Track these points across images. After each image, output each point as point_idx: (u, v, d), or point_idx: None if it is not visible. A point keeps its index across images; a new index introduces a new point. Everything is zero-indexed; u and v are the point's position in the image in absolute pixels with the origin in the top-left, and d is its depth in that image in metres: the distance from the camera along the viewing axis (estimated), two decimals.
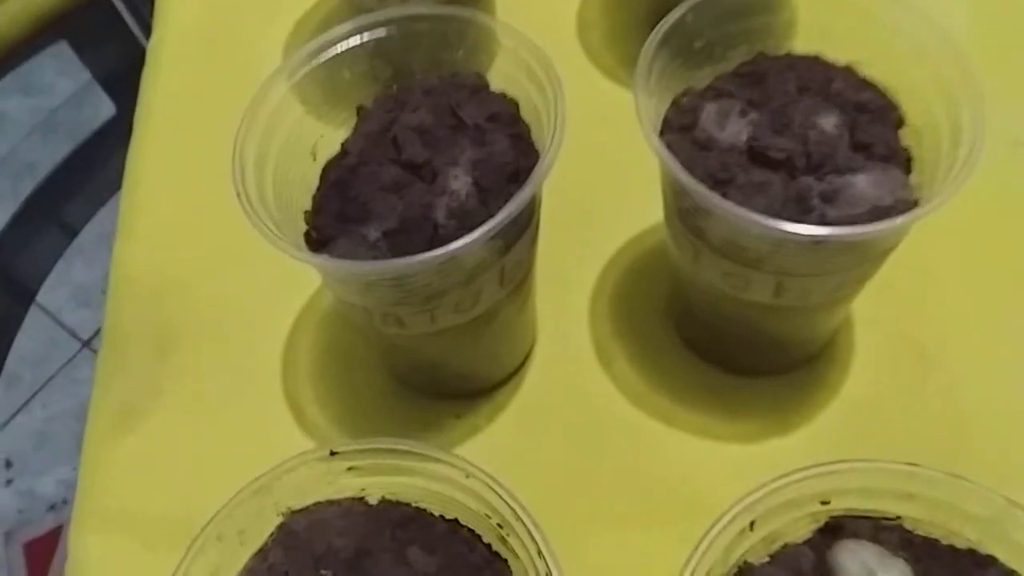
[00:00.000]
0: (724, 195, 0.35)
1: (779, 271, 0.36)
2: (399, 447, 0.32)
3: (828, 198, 0.35)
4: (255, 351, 0.48)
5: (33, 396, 1.32)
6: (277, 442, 0.46)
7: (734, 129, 0.37)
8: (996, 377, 0.44)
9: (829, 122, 0.36)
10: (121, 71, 0.60)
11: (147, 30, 0.63)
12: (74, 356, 1.33)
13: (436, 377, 0.46)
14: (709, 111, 0.38)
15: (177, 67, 0.59)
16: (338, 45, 0.39)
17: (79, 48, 0.72)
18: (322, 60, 0.39)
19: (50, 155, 1.24)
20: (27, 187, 1.21)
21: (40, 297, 1.33)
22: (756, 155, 0.36)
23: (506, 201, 0.35)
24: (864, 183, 0.35)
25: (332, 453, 0.33)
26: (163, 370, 0.48)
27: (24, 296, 1.24)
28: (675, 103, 0.39)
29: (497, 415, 0.46)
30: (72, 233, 1.16)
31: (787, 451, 0.43)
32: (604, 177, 0.52)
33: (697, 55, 0.39)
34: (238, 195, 0.34)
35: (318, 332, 0.48)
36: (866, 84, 0.38)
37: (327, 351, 0.48)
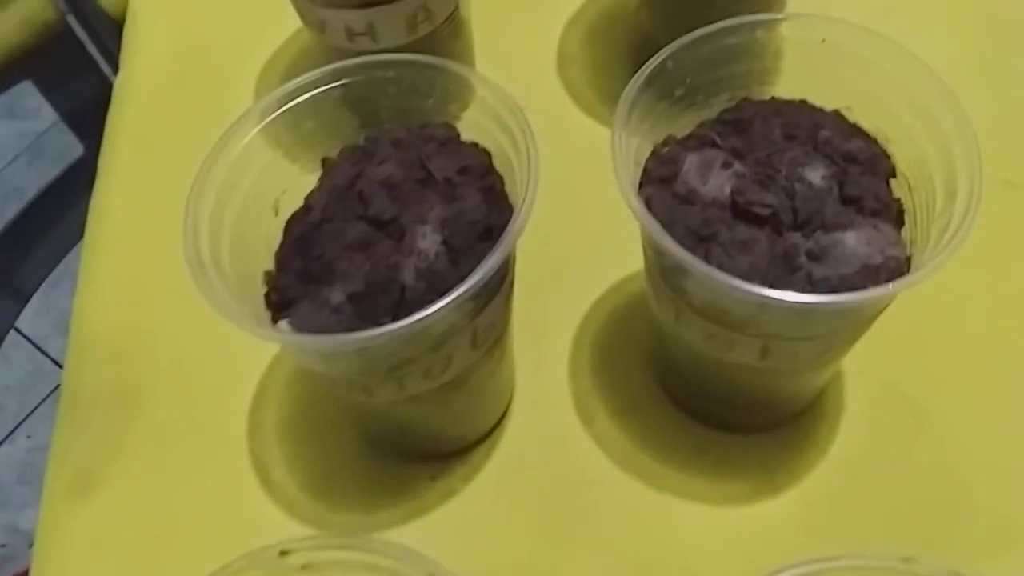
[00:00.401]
0: (706, 253, 0.33)
1: (764, 334, 0.34)
2: (354, 543, 0.30)
3: (816, 256, 0.33)
4: (220, 411, 0.46)
5: (17, 426, 1.29)
6: (242, 507, 0.44)
7: (717, 182, 0.35)
8: (991, 433, 0.43)
9: (817, 174, 0.35)
10: (88, 109, 0.57)
11: (115, 66, 0.61)
12: (58, 386, 1.30)
13: (408, 439, 0.43)
14: (691, 163, 0.36)
15: (144, 108, 0.57)
16: (302, 95, 0.37)
17: (45, 87, 0.70)
18: (285, 110, 0.37)
19: (36, 179, 1.21)
20: (12, 211, 1.17)
21: (24, 326, 1.31)
22: (740, 210, 0.34)
23: (478, 261, 0.34)
24: (854, 240, 0.33)
25: (282, 553, 0.30)
26: (124, 432, 0.46)
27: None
28: (655, 152, 0.37)
29: (473, 476, 0.44)
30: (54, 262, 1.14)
31: (777, 514, 0.41)
32: (584, 220, 0.50)
33: (679, 102, 0.37)
34: (187, 260, 0.32)
35: (286, 390, 0.46)
36: (856, 131, 0.37)
37: (295, 411, 0.46)
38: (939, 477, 0.42)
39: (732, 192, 0.35)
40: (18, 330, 1.30)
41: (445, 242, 0.35)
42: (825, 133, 0.36)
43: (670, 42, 0.38)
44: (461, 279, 0.33)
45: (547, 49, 0.58)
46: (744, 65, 0.37)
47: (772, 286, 0.32)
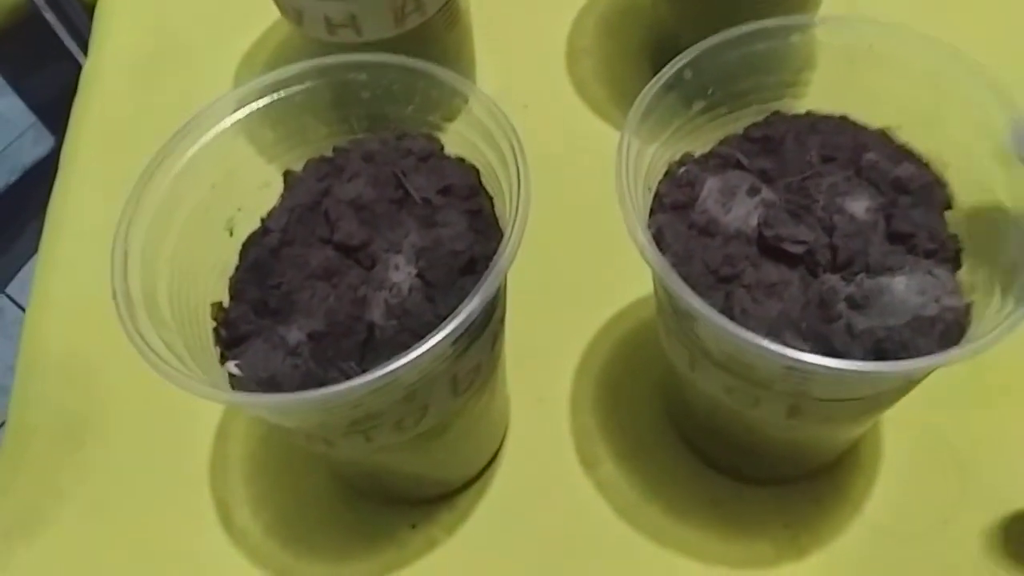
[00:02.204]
0: (728, 297, 0.28)
1: (795, 393, 0.29)
2: None
3: (858, 304, 0.28)
4: (179, 443, 0.42)
5: None
6: (201, 553, 0.39)
7: (741, 211, 0.30)
8: None
9: (860, 205, 0.29)
10: (58, 99, 0.52)
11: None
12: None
13: (385, 483, 0.39)
14: (711, 187, 0.30)
15: (111, 102, 0.52)
16: (260, 100, 0.32)
17: (12, 74, 0.65)
18: (241, 117, 0.32)
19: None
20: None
21: None
22: (769, 247, 0.29)
23: (458, 297, 0.29)
24: (904, 287, 0.28)
25: None
26: (72, 465, 0.41)
27: None
28: (669, 173, 0.32)
29: (459, 526, 0.39)
30: None
31: None
32: (589, 234, 0.45)
33: (699, 116, 0.32)
34: (114, 294, 0.27)
35: (252, 422, 0.42)
36: (905, 153, 0.31)
37: (262, 445, 0.41)
38: (988, 543, 0.36)
39: (759, 224, 0.29)
40: None
41: (421, 275, 0.30)
42: (870, 156, 0.30)
43: (691, 38, 0.32)
44: (439, 318, 0.28)
45: (556, 41, 0.54)
46: (775, 75, 0.32)
47: (805, 338, 0.27)
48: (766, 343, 0.25)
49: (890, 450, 0.39)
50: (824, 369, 0.25)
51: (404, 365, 0.26)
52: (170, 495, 0.41)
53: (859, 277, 0.28)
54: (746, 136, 0.32)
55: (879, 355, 0.27)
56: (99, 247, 0.46)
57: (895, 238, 0.29)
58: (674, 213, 0.31)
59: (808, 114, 0.32)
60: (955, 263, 0.29)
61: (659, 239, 0.30)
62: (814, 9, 0.45)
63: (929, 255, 0.29)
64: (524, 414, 0.41)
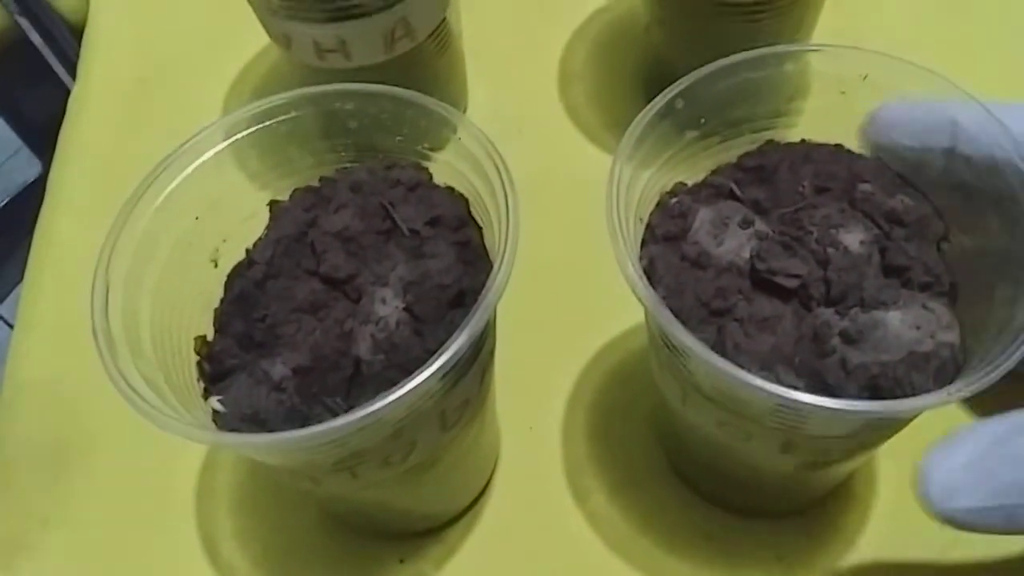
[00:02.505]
0: (720, 331, 0.28)
1: (787, 429, 0.28)
2: None
3: (852, 339, 0.27)
4: (165, 474, 0.41)
5: None
6: None
7: (734, 243, 0.29)
8: None
9: (854, 238, 0.29)
10: (47, 122, 0.52)
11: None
12: None
13: (373, 518, 0.38)
14: (703, 218, 0.30)
15: (100, 127, 0.52)
16: (245, 129, 0.31)
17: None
18: (226, 146, 0.32)
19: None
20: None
21: None
22: (762, 280, 0.29)
23: (447, 331, 0.28)
24: (899, 322, 0.27)
25: None
26: (56, 495, 0.41)
27: None
28: (661, 204, 0.31)
29: (448, 560, 0.39)
30: None
31: None
32: (581, 262, 0.44)
33: (690, 145, 0.32)
34: (94, 331, 0.27)
35: (239, 455, 0.41)
36: (901, 184, 0.31)
37: (249, 477, 0.41)
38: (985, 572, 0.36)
39: (752, 257, 0.29)
40: None
41: (408, 309, 0.30)
42: (865, 187, 0.30)
43: (684, 63, 0.32)
44: (427, 353, 0.27)
45: (548, 66, 0.53)
46: (768, 103, 0.32)
47: (799, 373, 0.27)
48: (758, 382, 0.24)
49: (884, 483, 0.38)
50: (816, 408, 0.24)
51: (390, 403, 0.25)
52: (155, 526, 0.40)
53: (853, 311, 0.28)
54: (739, 165, 0.32)
55: (873, 391, 0.27)
56: (85, 273, 0.45)
57: (889, 271, 0.29)
58: (666, 244, 0.30)
59: (802, 143, 0.32)
60: (951, 297, 0.29)
61: (650, 271, 0.29)
62: (807, 36, 0.45)
63: (924, 288, 0.28)
64: (515, 445, 0.41)
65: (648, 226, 0.31)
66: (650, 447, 0.40)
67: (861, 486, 0.38)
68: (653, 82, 0.41)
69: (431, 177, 0.32)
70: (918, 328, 0.27)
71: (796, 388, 0.25)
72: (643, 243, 0.31)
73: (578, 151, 0.50)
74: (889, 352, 0.27)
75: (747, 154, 0.32)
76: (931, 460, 0.25)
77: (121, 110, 0.52)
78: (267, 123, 0.32)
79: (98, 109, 0.52)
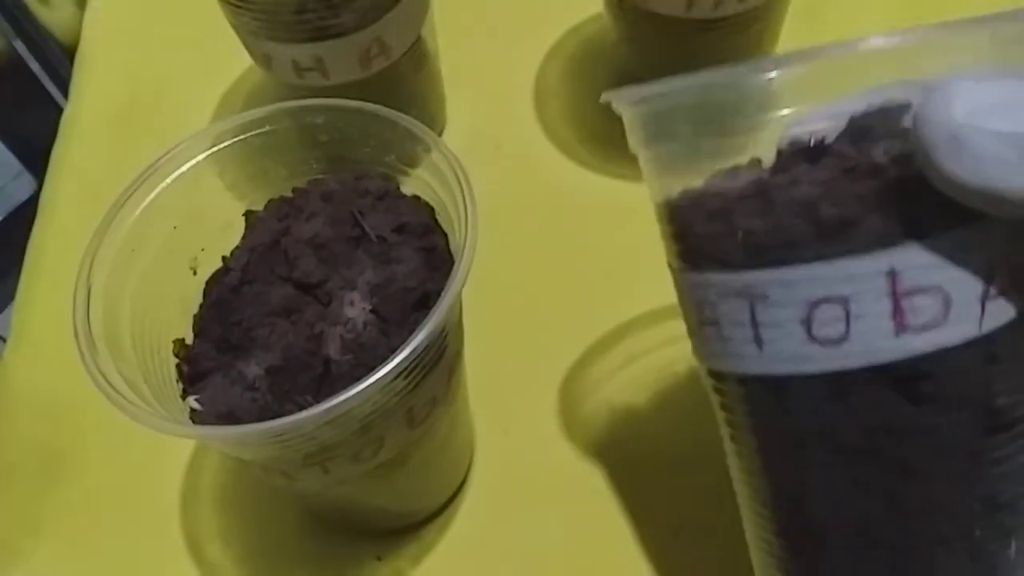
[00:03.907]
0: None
1: None
2: None
3: None
4: (150, 478, 0.42)
5: None
6: None
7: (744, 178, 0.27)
8: None
9: None
10: (42, 144, 0.54)
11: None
12: None
13: (350, 516, 0.39)
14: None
15: (91, 146, 0.54)
16: (221, 143, 0.33)
17: None
18: (202, 160, 0.33)
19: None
20: None
21: None
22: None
23: (411, 332, 0.29)
24: None
25: None
26: (46, 501, 0.42)
27: None
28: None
29: (424, 556, 0.40)
30: None
31: None
32: (559, 269, 0.46)
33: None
34: (75, 331, 0.28)
35: (223, 457, 0.42)
36: None
37: (233, 478, 0.42)
38: None
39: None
40: None
41: (375, 311, 0.31)
42: None
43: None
44: (392, 351, 0.29)
45: (524, 84, 0.55)
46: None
47: None
48: None
49: None
50: None
51: (352, 397, 0.27)
52: (143, 529, 0.41)
53: None
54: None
55: None
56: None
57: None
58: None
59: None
60: None
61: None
62: (771, 47, 0.47)
63: None
64: (490, 445, 0.42)
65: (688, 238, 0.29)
66: (623, 446, 0.41)
67: None
68: None
69: (398, 187, 0.34)
70: None
71: None
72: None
73: (554, 164, 0.51)
74: None
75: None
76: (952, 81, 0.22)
77: (111, 130, 0.54)
78: (243, 136, 0.33)
79: (89, 129, 0.54)
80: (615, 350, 0.43)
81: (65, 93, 0.58)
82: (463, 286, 0.29)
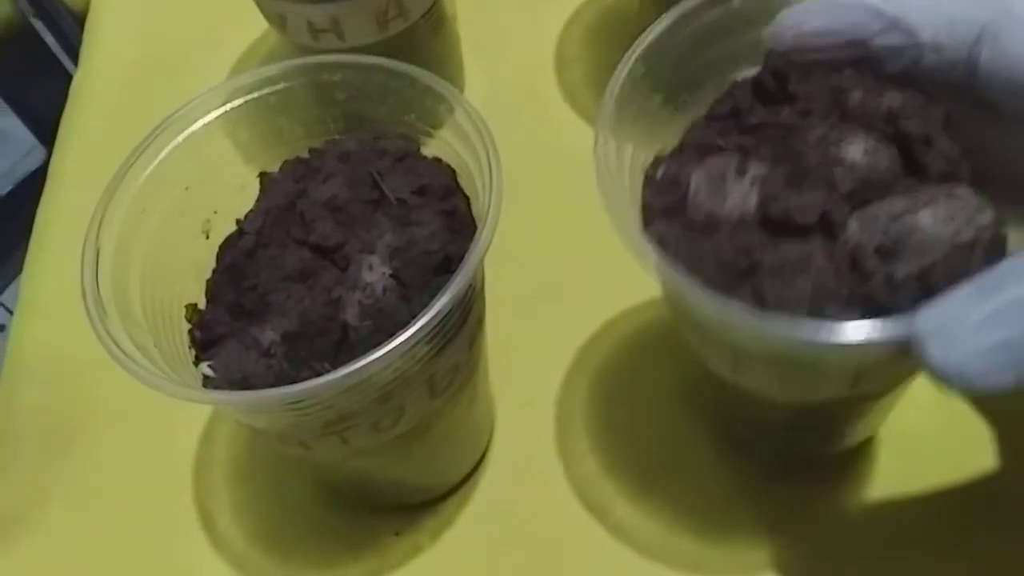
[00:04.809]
0: (755, 290, 0.27)
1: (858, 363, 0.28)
2: None
3: (890, 253, 0.26)
4: (162, 449, 0.41)
5: None
6: (183, 561, 0.39)
7: (737, 196, 0.28)
8: None
9: (857, 149, 0.28)
10: (52, 113, 0.52)
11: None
12: None
13: (367, 490, 0.38)
14: (698, 181, 0.29)
15: (101, 111, 0.52)
16: (234, 100, 0.32)
17: (8, 91, 0.65)
18: (214, 118, 0.32)
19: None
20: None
21: None
22: (778, 223, 0.27)
23: (432, 297, 0.28)
24: (931, 220, 0.26)
25: None
26: (55, 472, 0.41)
27: None
28: (647, 179, 0.31)
29: (443, 532, 0.39)
30: None
31: None
32: (581, 237, 0.44)
33: (663, 109, 0.31)
34: (83, 293, 0.27)
35: (237, 427, 0.41)
36: (885, 83, 0.30)
37: (247, 449, 0.41)
38: None
39: (761, 203, 0.28)
40: None
41: (395, 275, 0.30)
42: (854, 95, 0.29)
43: None
44: (413, 317, 0.28)
45: (544, 50, 0.53)
46: (730, 43, 0.31)
47: (849, 304, 0.26)
48: (816, 329, 0.24)
49: (884, 459, 0.38)
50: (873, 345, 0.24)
51: (372, 363, 0.26)
52: (154, 499, 0.40)
53: (881, 224, 0.26)
54: (712, 115, 0.31)
55: (929, 298, 0.25)
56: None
57: (906, 171, 0.28)
58: (667, 219, 0.29)
59: (766, 72, 0.31)
60: (971, 182, 0.28)
61: (661, 251, 0.28)
62: None
63: (944, 178, 0.27)
64: (510, 419, 0.41)
65: (644, 206, 0.30)
66: (646, 418, 0.40)
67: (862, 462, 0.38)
68: None
69: (419, 148, 0.33)
70: (952, 219, 0.26)
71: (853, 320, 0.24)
72: (644, 225, 0.30)
73: (576, 132, 0.50)
74: (931, 253, 0.26)
75: (717, 101, 0.31)
76: (923, 315, 0.23)
77: (122, 95, 0.53)
78: (257, 94, 0.32)
79: (99, 94, 0.53)
80: (641, 319, 0.42)
81: (75, 60, 0.57)
82: (488, 247, 0.28)
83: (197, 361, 0.31)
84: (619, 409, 0.41)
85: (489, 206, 0.28)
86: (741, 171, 0.28)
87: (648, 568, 0.37)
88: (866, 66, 0.30)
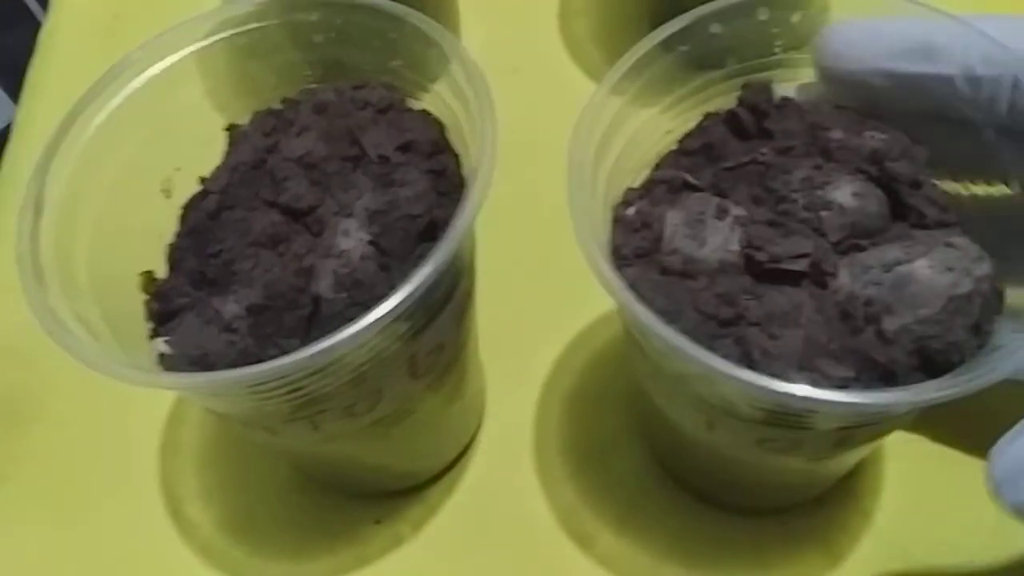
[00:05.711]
0: (740, 341, 0.24)
1: (847, 425, 0.26)
2: None
3: (884, 304, 0.24)
4: (126, 428, 0.38)
5: None
6: (147, 548, 0.36)
7: (718, 239, 0.26)
8: None
9: (845, 193, 0.26)
10: (19, 62, 0.49)
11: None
12: None
13: (345, 476, 0.35)
14: (673, 222, 0.26)
15: (70, 64, 0.49)
16: (195, 44, 0.28)
17: None
18: (176, 62, 0.29)
19: None
20: None
21: None
22: (764, 270, 0.25)
23: (414, 267, 0.25)
24: (927, 269, 0.24)
25: None
26: (10, 451, 0.38)
27: None
28: (618, 219, 0.28)
29: (426, 521, 0.36)
30: None
31: None
32: None
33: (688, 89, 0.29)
34: (18, 257, 0.24)
35: (205, 409, 0.38)
36: (860, 119, 0.28)
37: (217, 431, 0.38)
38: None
39: (744, 248, 0.26)
40: None
41: (374, 242, 0.27)
42: (835, 134, 0.27)
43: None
44: (393, 290, 0.24)
45: (547, 1, 0.50)
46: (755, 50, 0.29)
47: (840, 360, 0.24)
48: (816, 392, 0.21)
49: (889, 480, 0.35)
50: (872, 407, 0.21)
51: (345, 340, 0.23)
52: (117, 483, 0.38)
53: (874, 273, 0.25)
54: (682, 151, 0.29)
55: (922, 352, 0.24)
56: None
57: (896, 216, 0.26)
58: (641, 263, 0.26)
59: (740, 105, 0.29)
60: (965, 228, 0.26)
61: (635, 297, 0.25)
62: None
63: (939, 225, 0.25)
64: (502, 398, 0.38)
65: (615, 248, 0.27)
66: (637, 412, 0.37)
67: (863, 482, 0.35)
68: (658, 18, 0.38)
69: (404, 99, 0.29)
70: (950, 270, 0.24)
71: (846, 378, 0.23)
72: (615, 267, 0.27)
73: (580, 90, 0.46)
74: (928, 305, 0.24)
75: (687, 135, 0.29)
76: (997, 450, 0.23)
77: (94, 45, 0.50)
78: (226, 33, 0.29)
79: (70, 45, 0.50)
80: None
81: (46, 8, 0.54)
82: (477, 214, 0.24)
83: (153, 336, 0.27)
84: (614, 391, 0.38)
85: (481, 166, 0.24)
86: (721, 213, 0.26)
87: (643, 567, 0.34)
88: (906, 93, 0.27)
